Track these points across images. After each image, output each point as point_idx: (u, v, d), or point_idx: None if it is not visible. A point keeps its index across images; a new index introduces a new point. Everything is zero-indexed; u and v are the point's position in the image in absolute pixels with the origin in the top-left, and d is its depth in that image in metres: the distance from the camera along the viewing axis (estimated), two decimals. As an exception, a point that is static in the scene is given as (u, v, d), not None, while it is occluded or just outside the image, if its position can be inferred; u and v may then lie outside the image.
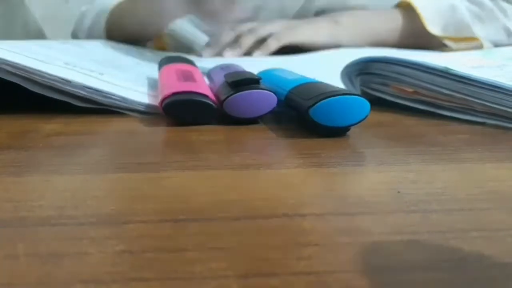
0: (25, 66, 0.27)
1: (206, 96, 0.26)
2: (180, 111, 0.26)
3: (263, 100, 0.26)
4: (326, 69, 0.37)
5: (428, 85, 0.28)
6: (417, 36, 0.58)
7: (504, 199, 0.16)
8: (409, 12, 0.58)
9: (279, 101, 0.27)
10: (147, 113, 0.29)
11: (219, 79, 0.30)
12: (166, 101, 0.26)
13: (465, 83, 0.26)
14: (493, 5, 0.61)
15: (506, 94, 0.25)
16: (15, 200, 0.16)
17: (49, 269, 0.11)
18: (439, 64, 0.28)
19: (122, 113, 0.29)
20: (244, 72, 0.29)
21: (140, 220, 0.14)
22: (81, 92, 0.28)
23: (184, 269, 0.11)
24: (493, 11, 0.60)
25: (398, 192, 0.16)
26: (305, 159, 0.20)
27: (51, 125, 0.26)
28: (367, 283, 0.11)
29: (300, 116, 0.25)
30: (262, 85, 0.27)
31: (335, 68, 0.34)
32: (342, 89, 0.24)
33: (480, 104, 0.26)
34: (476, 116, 0.26)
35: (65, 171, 0.19)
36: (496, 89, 0.25)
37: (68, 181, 0.17)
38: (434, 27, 0.57)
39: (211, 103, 0.26)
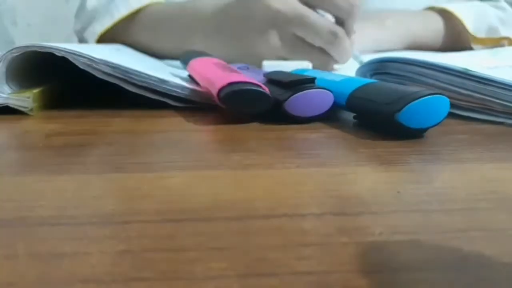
0: (126, 68, 0.29)
1: (260, 86, 0.26)
2: (237, 101, 0.26)
3: (322, 99, 0.27)
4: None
5: (446, 86, 0.28)
6: (455, 39, 0.58)
7: (504, 199, 0.16)
8: (446, 15, 0.58)
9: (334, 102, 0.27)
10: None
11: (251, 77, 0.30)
12: (224, 91, 0.26)
13: (484, 83, 0.26)
14: None
15: None
16: (15, 200, 0.16)
17: (49, 269, 0.11)
18: (457, 65, 0.28)
19: (121, 113, 0.29)
20: (285, 72, 0.30)
21: (140, 220, 0.14)
22: (177, 90, 0.30)
23: (184, 269, 0.11)
24: None
25: (398, 192, 0.16)
26: (305, 159, 0.20)
27: (51, 125, 0.26)
28: (367, 283, 0.11)
29: (373, 119, 0.25)
30: (317, 85, 0.27)
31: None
32: (421, 89, 0.24)
33: (499, 104, 0.26)
34: (495, 116, 0.26)
35: (65, 171, 0.19)
36: None
37: (68, 181, 0.17)
38: (474, 30, 0.57)
39: (267, 93, 0.26)
